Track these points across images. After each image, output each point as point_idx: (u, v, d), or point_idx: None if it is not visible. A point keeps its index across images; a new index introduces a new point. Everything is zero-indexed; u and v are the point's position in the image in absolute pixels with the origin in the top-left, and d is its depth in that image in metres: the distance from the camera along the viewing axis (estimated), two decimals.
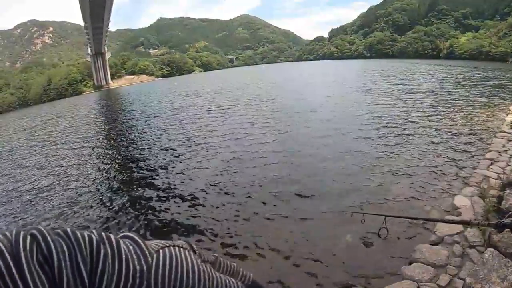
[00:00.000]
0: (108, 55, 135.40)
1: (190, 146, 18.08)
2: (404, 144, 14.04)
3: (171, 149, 18.25)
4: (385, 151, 13.27)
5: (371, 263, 6.66)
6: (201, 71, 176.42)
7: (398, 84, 35.06)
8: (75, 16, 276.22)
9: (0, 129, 43.91)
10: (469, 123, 16.49)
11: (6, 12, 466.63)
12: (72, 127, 33.06)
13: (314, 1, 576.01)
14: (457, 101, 22.88)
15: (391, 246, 7.13)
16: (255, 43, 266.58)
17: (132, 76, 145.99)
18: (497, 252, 5.36)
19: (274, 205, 9.70)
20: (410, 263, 5.95)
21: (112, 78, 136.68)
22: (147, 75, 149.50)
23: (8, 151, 25.64)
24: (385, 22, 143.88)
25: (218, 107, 30.97)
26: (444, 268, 5.61)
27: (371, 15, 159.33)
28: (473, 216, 6.96)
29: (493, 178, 8.81)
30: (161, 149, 18.55)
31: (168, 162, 15.95)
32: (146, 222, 9.85)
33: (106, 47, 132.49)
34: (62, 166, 17.96)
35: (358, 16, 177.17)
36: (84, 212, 11.15)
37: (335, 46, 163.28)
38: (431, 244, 6.37)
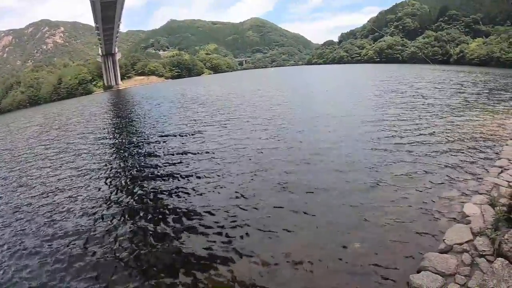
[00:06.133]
0: (118, 56, 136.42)
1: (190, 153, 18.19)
2: (412, 151, 13.93)
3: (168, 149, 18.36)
4: (393, 159, 13.19)
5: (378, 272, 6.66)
6: (210, 73, 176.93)
7: (408, 91, 34.87)
8: (87, 17, 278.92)
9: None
10: (479, 130, 16.31)
11: (18, 11, 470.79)
12: (80, 127, 33.38)
13: (325, 6, 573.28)
14: (467, 108, 22.70)
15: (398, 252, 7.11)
16: (265, 46, 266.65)
17: (142, 77, 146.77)
18: (507, 262, 5.30)
19: None
20: (419, 271, 5.91)
21: (122, 79, 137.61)
22: (156, 76, 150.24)
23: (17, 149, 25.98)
24: (395, 27, 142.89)
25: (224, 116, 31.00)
26: (453, 277, 5.57)
27: (381, 20, 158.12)
28: (483, 224, 6.88)
29: (503, 186, 8.70)
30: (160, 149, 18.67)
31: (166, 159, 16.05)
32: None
33: (116, 48, 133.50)
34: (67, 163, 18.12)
35: (368, 21, 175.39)
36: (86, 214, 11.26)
37: (345, 51, 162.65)
38: (440, 252, 6.31)
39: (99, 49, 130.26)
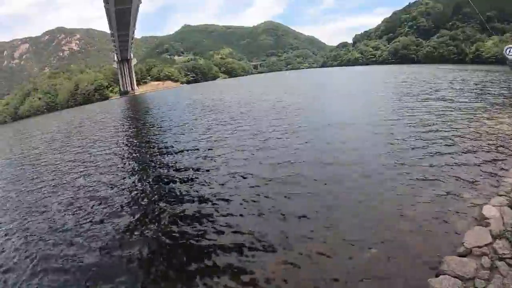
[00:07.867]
0: (134, 62, 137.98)
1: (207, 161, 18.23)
2: (429, 152, 13.75)
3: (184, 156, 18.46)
4: (410, 161, 13.02)
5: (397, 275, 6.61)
6: (225, 78, 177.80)
7: (425, 92, 34.51)
8: (102, 24, 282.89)
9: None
10: (498, 130, 16.00)
11: (35, 19, 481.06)
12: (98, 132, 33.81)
13: (337, 8, 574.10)
14: (484, 107, 22.22)
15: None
16: (279, 49, 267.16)
17: (157, 82, 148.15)
18: None
19: None
20: (437, 275, 5.84)
21: (138, 84, 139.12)
22: (172, 81, 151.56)
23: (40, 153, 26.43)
24: (409, 27, 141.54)
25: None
26: (472, 281, 5.48)
27: (395, 20, 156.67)
28: (503, 227, 6.78)
29: None
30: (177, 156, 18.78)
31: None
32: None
33: (132, 54, 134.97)
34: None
35: (382, 21, 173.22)
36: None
37: (360, 52, 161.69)
38: (459, 256, 6.22)
39: (115, 55, 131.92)
